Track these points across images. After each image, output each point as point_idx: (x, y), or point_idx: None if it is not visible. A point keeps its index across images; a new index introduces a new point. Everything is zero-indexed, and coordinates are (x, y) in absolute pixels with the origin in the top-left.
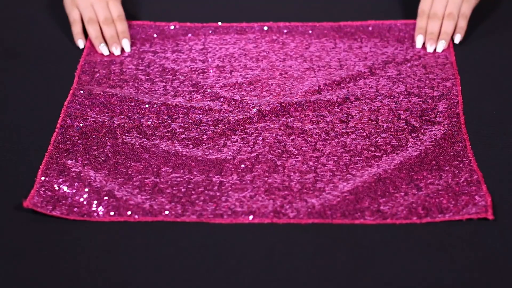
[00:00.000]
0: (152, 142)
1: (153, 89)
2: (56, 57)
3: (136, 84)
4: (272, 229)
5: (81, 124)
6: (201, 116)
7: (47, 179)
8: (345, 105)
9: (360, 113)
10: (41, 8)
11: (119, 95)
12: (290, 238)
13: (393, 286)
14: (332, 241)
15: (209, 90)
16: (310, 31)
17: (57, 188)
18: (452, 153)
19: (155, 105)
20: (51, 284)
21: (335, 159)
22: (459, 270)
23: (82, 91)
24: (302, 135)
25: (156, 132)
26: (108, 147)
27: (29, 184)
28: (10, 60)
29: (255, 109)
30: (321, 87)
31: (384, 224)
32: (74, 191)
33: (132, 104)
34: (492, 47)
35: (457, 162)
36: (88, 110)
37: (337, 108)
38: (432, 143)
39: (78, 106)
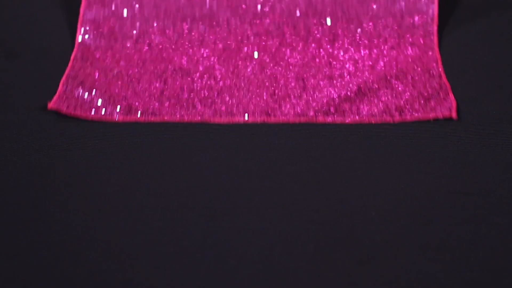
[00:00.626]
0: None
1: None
2: (56, 57)
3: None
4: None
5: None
6: (204, 34)
7: (68, 87)
8: (332, 27)
9: (345, 34)
10: (41, 8)
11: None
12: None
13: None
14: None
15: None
16: None
17: (76, 96)
18: (425, 68)
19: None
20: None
21: (323, 72)
22: (456, 271)
23: (87, 36)
24: (294, 52)
25: (165, 45)
26: (121, 64)
27: (53, 93)
28: (10, 60)
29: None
30: (311, 13)
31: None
32: (91, 97)
33: (142, 28)
34: (489, 45)
35: (429, 76)
36: (101, 44)
37: (325, 27)
38: (408, 60)
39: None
